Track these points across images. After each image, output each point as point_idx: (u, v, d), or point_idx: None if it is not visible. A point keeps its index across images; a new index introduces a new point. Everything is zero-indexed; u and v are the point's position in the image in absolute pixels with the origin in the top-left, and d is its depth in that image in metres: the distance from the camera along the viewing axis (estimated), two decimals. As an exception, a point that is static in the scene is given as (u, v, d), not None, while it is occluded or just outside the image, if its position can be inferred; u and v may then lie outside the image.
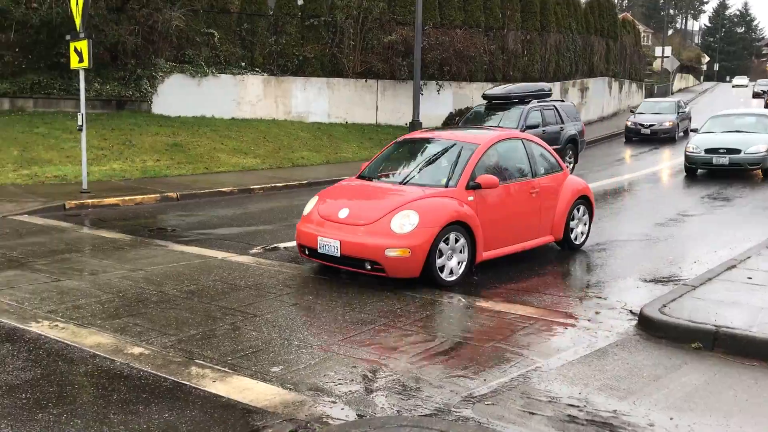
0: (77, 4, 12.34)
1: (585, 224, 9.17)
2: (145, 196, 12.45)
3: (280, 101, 22.74)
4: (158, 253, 8.62)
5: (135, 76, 20.10)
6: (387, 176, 8.29)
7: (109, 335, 5.63)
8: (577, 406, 4.46)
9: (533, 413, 4.35)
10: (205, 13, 21.70)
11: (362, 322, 6.10)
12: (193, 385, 4.71)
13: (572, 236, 8.95)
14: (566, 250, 8.98)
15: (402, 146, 8.89)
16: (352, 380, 4.85)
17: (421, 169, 8.10)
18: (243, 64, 22.30)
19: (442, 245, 7.13)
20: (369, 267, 7.08)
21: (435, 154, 8.31)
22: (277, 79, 22.65)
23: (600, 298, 7.00)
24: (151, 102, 20.36)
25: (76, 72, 14.94)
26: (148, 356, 5.19)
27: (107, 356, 5.18)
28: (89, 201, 11.81)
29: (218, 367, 5.01)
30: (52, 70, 19.03)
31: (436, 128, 9.08)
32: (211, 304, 6.52)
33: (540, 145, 8.85)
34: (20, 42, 18.79)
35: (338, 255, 7.20)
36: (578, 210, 8.99)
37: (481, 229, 7.52)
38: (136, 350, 5.31)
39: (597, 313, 6.48)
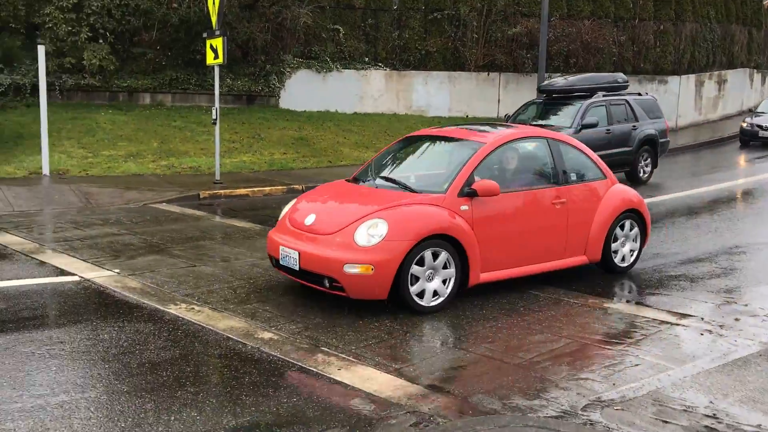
0: (214, 3, 12.94)
1: (635, 243, 7.65)
2: (272, 188, 12.92)
3: (401, 95, 22.91)
4: (285, 242, 8.91)
5: (264, 72, 20.89)
6: (374, 179, 7.14)
7: (240, 320, 5.88)
8: (716, 417, 4.20)
9: (667, 422, 4.14)
10: (331, 10, 22.21)
11: (484, 319, 6.05)
12: (319, 371, 4.84)
13: (615, 257, 7.48)
14: (607, 273, 7.57)
15: (405, 145, 7.78)
16: (474, 376, 4.81)
17: (411, 172, 7.09)
18: (366, 59, 22.65)
19: (418, 263, 6.01)
20: (327, 284, 6.08)
21: (434, 155, 7.44)
22: (398, 73, 22.83)
23: (739, 303, 6.57)
24: (279, 97, 21.09)
25: (211, 68, 15.70)
26: (277, 341, 5.39)
27: (239, 340, 5.42)
28: (221, 191, 12.41)
29: (343, 356, 5.12)
30: (189, 66, 20.10)
31: (456, 125, 8.12)
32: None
33: (575, 147, 7.52)
34: (161, 40, 19.98)
35: (297, 268, 6.26)
36: (625, 226, 7.53)
37: (478, 245, 6.32)
38: (266, 335, 5.52)
39: (736, 319, 6.08)
